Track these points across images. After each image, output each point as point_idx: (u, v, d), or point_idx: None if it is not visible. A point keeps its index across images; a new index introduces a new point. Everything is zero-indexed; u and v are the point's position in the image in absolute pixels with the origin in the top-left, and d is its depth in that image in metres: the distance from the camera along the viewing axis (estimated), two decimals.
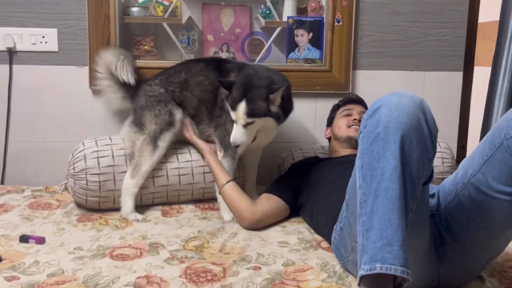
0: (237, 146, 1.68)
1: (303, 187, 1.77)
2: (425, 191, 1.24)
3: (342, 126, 1.93)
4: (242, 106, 1.65)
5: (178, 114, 1.88)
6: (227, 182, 1.78)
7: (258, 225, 1.70)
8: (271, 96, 1.67)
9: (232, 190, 1.76)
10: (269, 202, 1.74)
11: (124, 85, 1.94)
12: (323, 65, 2.21)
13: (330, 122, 2.06)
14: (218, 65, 1.88)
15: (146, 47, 2.17)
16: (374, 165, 1.14)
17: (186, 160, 1.91)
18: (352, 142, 1.88)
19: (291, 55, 2.22)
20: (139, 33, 2.19)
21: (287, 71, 2.05)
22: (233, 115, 1.68)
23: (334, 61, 2.20)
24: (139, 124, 1.86)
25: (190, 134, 1.92)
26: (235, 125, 1.68)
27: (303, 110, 2.23)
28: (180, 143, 1.94)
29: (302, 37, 2.21)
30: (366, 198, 1.14)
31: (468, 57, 2.32)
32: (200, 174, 1.91)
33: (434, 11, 2.25)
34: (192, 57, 2.21)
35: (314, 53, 2.22)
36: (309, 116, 2.25)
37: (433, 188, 1.41)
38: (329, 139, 2.04)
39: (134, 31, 2.19)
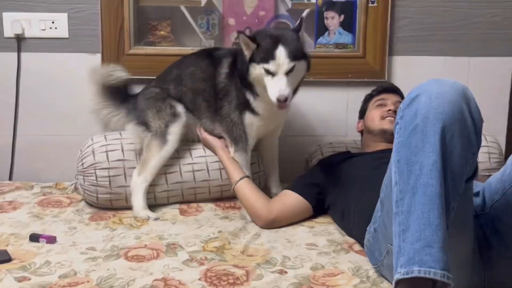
0: (285, 100, 1.64)
1: (332, 185, 1.77)
2: (468, 189, 1.23)
3: (375, 118, 1.93)
4: (281, 51, 1.65)
5: (179, 107, 1.92)
6: (240, 179, 1.80)
7: (275, 225, 1.71)
8: (299, 34, 1.71)
9: (245, 187, 1.78)
10: (288, 200, 1.76)
11: (122, 102, 1.98)
12: (355, 51, 2.22)
13: (362, 114, 2.05)
14: (209, 53, 1.93)
15: (162, 32, 2.18)
16: (412, 159, 1.14)
17: (200, 155, 1.94)
18: (387, 136, 1.87)
19: (320, 39, 2.22)
20: (155, 17, 2.18)
21: (316, 58, 2.03)
22: (271, 66, 1.65)
23: (368, 46, 2.20)
24: (144, 123, 1.91)
25: (199, 129, 1.94)
26: (273, 79, 1.66)
27: (333, 100, 2.24)
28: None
29: (333, 19, 2.21)
30: (402, 195, 1.14)
31: None
32: (216, 170, 1.93)
33: None
34: (212, 43, 2.21)
35: (346, 38, 2.22)
36: (340, 107, 2.26)
37: (478, 186, 1.40)
38: (362, 132, 2.03)
39: (150, 15, 2.18)
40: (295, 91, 1.77)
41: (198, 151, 1.95)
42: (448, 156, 1.14)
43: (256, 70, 1.71)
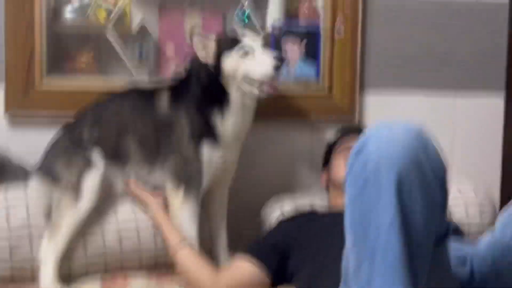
0: (283, 61, 1.78)
1: (296, 249, 1.74)
2: (441, 253, 1.23)
3: (340, 167, 1.92)
4: (249, 32, 1.90)
5: (96, 154, 1.87)
6: (181, 245, 1.76)
7: None
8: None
9: (188, 255, 1.76)
10: (240, 270, 1.70)
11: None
12: (320, 86, 2.20)
13: (325, 163, 2.05)
14: (138, 90, 1.95)
15: (83, 63, 2.15)
16: (367, 219, 1.16)
17: (128, 216, 1.88)
18: None
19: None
20: (75, 45, 2.14)
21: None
22: (246, 41, 1.80)
23: (336, 81, 2.19)
24: (51, 174, 1.85)
25: (127, 180, 1.89)
26: (254, 55, 1.79)
27: (294, 146, 2.21)
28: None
29: (292, 49, 2.20)
30: (359, 263, 1.15)
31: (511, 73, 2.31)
32: (149, 234, 1.86)
33: (466, 16, 2.24)
34: (146, 74, 2.16)
35: (308, 70, 2.22)
36: (303, 155, 2.23)
37: (464, 251, 1.40)
38: (327, 187, 2.02)
39: (68, 42, 2.14)
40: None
41: (126, 211, 1.89)
42: (409, 212, 1.15)
43: (229, 60, 1.79)
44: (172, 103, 1.87)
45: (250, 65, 1.77)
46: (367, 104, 2.24)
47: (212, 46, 1.80)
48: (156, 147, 1.87)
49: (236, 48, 1.78)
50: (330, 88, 2.19)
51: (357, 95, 2.20)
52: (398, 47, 2.23)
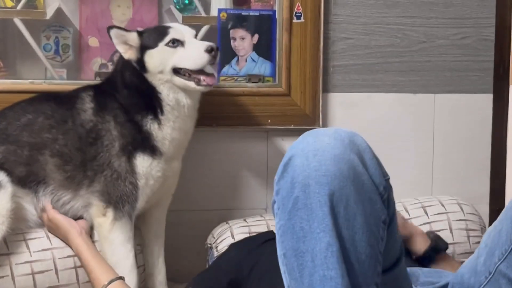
0: (217, 50, 1.83)
1: (251, 279, 1.74)
2: (397, 278, 1.27)
3: None
4: (176, 23, 1.99)
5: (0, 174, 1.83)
6: (110, 282, 1.71)
7: None
8: None
9: None
10: None
11: None
12: (276, 85, 2.21)
13: None
14: (54, 95, 1.94)
15: None
16: (300, 248, 1.18)
17: (42, 248, 1.84)
18: None
19: (225, 69, 2.21)
20: None
21: (219, 95, 2.07)
22: (173, 33, 1.85)
23: (294, 79, 2.20)
24: None
25: (46, 205, 1.85)
26: (185, 47, 1.85)
27: (246, 158, 2.21)
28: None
29: (243, 41, 2.20)
30: None
31: (499, 72, 2.32)
32: (69, 270, 1.84)
33: (445, 1, 2.27)
34: (64, 72, 2.15)
35: (262, 67, 2.22)
36: (258, 166, 2.23)
37: (446, 277, 1.43)
38: None
39: None
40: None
41: (40, 242, 1.85)
42: (347, 233, 1.18)
43: (154, 57, 1.83)
44: (98, 109, 1.86)
45: (181, 57, 1.82)
46: (331, 107, 2.24)
47: (133, 39, 1.84)
48: (81, 165, 1.85)
49: (163, 41, 1.83)
50: (288, 87, 2.19)
51: (319, 96, 2.21)
52: (367, 38, 2.25)
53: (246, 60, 2.20)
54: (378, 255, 1.20)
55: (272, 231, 1.94)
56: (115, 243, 1.81)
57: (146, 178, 1.83)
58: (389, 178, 1.24)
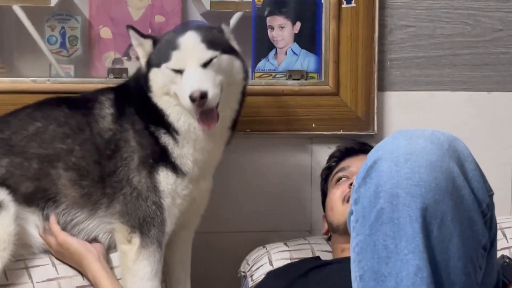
0: (204, 98, 1.70)
1: None
2: None
3: (336, 204, 1.96)
4: (191, 36, 1.80)
5: (0, 193, 1.83)
6: None
7: None
8: (224, 27, 1.86)
9: None
10: None
11: None
12: (322, 83, 2.21)
13: (323, 201, 2.08)
14: (64, 100, 1.95)
15: None
16: (382, 271, 1.19)
17: (47, 278, 1.84)
18: None
19: (261, 64, 2.22)
20: None
21: (254, 94, 2.05)
22: (175, 59, 1.76)
23: (343, 75, 2.20)
24: None
25: (53, 226, 1.85)
26: (182, 78, 1.76)
27: (287, 168, 2.22)
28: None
29: (282, 30, 2.21)
30: None
31: None
32: None
33: None
34: (71, 69, 2.16)
35: (305, 61, 2.22)
36: (300, 179, 2.23)
37: None
38: (328, 232, 2.06)
39: None
40: (235, 123, 1.87)
41: (44, 270, 1.86)
42: (440, 257, 1.18)
43: (158, 77, 1.80)
44: (117, 115, 1.86)
45: (177, 89, 1.78)
46: (388, 109, 2.25)
47: (148, 48, 1.84)
48: (99, 181, 1.85)
49: (166, 62, 1.78)
50: (337, 86, 2.19)
51: (374, 96, 2.20)
52: (430, 26, 2.23)
53: (286, 53, 2.20)
54: (474, 286, 1.20)
55: (318, 258, 1.99)
56: (139, 276, 1.80)
57: (172, 197, 1.83)
58: (493, 194, 1.25)
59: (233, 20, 2.17)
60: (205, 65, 1.74)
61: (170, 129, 1.83)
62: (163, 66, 1.78)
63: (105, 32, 2.18)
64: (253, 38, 2.18)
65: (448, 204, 1.18)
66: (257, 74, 2.19)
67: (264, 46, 2.19)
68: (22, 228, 1.85)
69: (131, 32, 1.84)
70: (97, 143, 1.85)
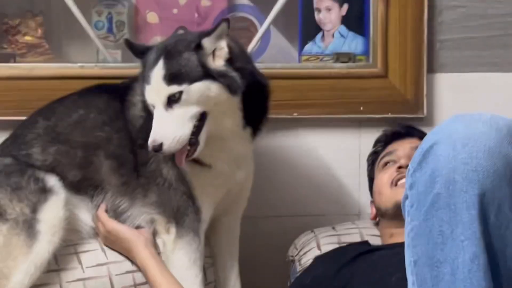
0: (158, 150, 1.69)
1: None
2: None
3: (383, 189, 1.96)
4: (158, 69, 1.72)
5: (50, 179, 1.86)
6: None
7: None
8: (204, 41, 1.73)
9: None
10: None
11: None
12: (370, 65, 2.21)
13: (370, 186, 2.08)
14: (105, 88, 1.96)
15: (28, 37, 2.17)
16: (437, 257, 1.19)
17: (97, 263, 1.86)
18: None
19: (308, 47, 2.22)
20: (15, 13, 2.17)
21: (301, 78, 2.09)
22: (146, 94, 1.74)
23: (392, 57, 2.19)
24: None
25: (101, 214, 1.88)
26: (154, 114, 1.73)
27: (334, 151, 2.22)
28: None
29: (329, 12, 2.21)
30: None
31: None
32: (130, 286, 1.85)
33: None
34: (118, 54, 2.20)
35: (353, 43, 2.22)
36: (348, 163, 2.23)
37: None
38: (376, 217, 2.06)
39: (5, 8, 2.18)
40: (256, 128, 1.83)
41: (94, 255, 1.88)
42: (497, 245, 1.17)
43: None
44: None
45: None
46: (438, 92, 2.23)
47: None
48: (134, 170, 1.88)
49: (143, 77, 1.74)
50: (385, 68, 2.18)
51: (424, 78, 2.19)
52: (482, 7, 2.21)
53: (333, 36, 2.20)
54: None
55: (367, 242, 1.99)
56: (178, 266, 1.82)
57: (202, 186, 1.83)
58: None
59: (279, 3, 2.16)
60: (170, 103, 1.70)
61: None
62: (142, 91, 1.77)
63: (152, 17, 2.21)
64: (300, 21, 2.18)
65: (506, 191, 1.17)
66: (304, 57, 2.19)
67: (311, 29, 2.19)
68: (72, 213, 1.87)
69: (128, 47, 1.84)
70: (131, 131, 1.88)
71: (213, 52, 1.73)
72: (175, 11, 2.19)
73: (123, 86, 1.93)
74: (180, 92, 1.69)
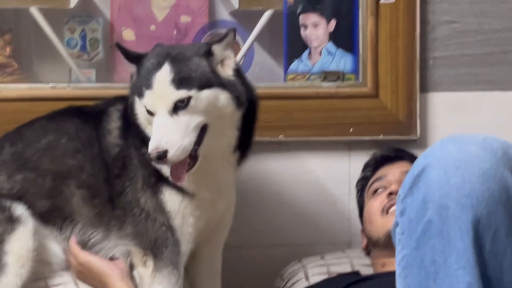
0: (162, 158, 1.63)
1: None
2: None
3: (374, 217, 1.95)
4: (164, 72, 1.69)
5: (18, 207, 1.84)
6: None
7: None
8: (215, 48, 1.72)
9: None
10: None
11: None
12: (360, 84, 2.20)
13: (360, 214, 2.07)
14: (78, 110, 1.94)
15: None
16: (430, 287, 1.18)
17: None
18: None
19: (294, 65, 2.21)
20: None
21: (287, 98, 2.09)
22: (146, 99, 1.69)
23: (383, 76, 2.19)
24: None
25: (72, 246, 1.86)
26: (154, 120, 1.70)
27: (323, 176, 2.21)
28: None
29: (316, 29, 2.19)
30: None
31: None
32: None
33: None
34: (92, 74, 2.18)
35: (341, 61, 2.21)
36: (337, 189, 2.22)
37: None
38: (367, 247, 2.05)
39: None
40: (243, 153, 1.81)
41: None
42: (493, 273, 1.17)
43: (140, 108, 1.76)
44: (123, 129, 1.85)
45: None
46: (431, 112, 2.22)
47: (134, 71, 1.76)
48: (109, 202, 1.86)
49: (141, 95, 1.71)
50: (375, 87, 2.17)
51: (416, 97, 2.18)
52: (476, 22, 2.20)
53: (320, 53, 2.19)
54: None
55: (357, 272, 1.98)
56: None
57: (182, 217, 1.81)
58: None
59: (263, 19, 2.16)
60: (176, 109, 1.66)
61: None
62: (140, 101, 1.73)
63: (128, 34, 2.19)
64: (285, 38, 2.18)
65: (502, 216, 1.17)
66: (290, 76, 2.18)
67: (297, 46, 2.18)
68: (41, 244, 1.86)
69: (120, 52, 1.80)
70: (105, 160, 1.86)
71: (221, 61, 1.74)
72: (152, 27, 2.17)
73: (98, 110, 1.91)
74: (189, 98, 1.65)
